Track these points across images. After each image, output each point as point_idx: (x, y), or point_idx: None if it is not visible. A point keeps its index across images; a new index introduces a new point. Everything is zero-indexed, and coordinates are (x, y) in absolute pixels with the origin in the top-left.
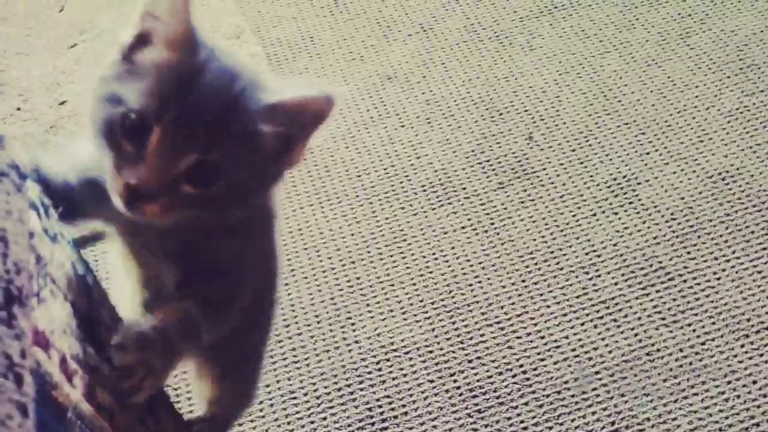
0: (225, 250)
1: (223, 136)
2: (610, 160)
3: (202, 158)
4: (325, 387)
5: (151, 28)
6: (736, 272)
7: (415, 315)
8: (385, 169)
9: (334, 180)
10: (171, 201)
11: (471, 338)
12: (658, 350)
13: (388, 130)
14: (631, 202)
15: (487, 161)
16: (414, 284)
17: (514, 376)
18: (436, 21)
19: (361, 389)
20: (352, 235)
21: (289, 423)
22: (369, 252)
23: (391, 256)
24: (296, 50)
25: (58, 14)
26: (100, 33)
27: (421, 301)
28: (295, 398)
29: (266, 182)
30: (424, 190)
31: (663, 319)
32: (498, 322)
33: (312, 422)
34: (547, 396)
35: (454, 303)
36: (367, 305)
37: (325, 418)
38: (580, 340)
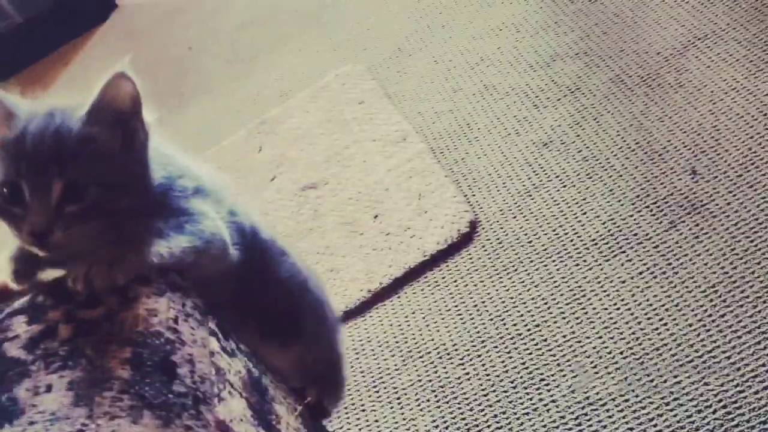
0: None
1: (67, 159)
2: None
3: (65, 181)
4: None
5: None
6: None
7: (606, 367)
8: (554, 231)
9: (507, 250)
10: (66, 223)
11: (665, 381)
12: None
13: (551, 193)
14: None
15: (654, 203)
16: (600, 337)
17: (714, 412)
18: (582, 80)
19: None
20: (533, 299)
21: None
22: (551, 312)
23: (574, 313)
24: (456, 139)
25: (257, 155)
26: (292, 163)
27: (609, 353)
28: None
29: (134, 169)
30: (595, 244)
31: None
32: (690, 361)
33: None
34: (753, 428)
35: (643, 349)
36: (558, 364)
37: None
38: None
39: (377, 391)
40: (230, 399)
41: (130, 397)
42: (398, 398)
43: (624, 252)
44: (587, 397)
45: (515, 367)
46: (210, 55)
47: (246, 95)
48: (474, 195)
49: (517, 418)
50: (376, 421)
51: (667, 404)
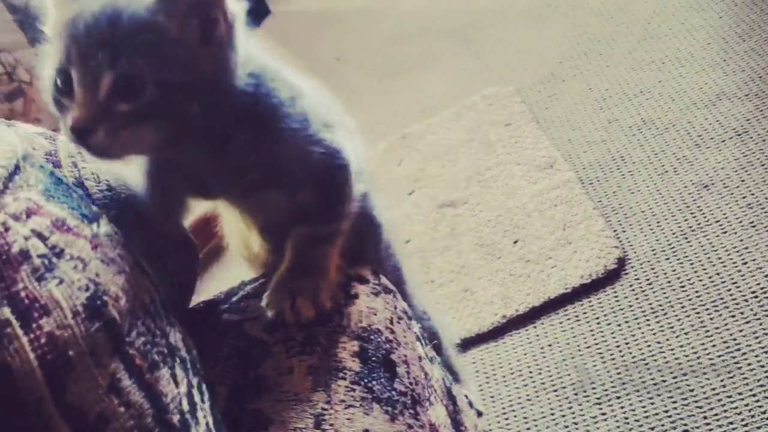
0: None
1: (122, 48)
2: None
3: (118, 73)
4: None
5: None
6: None
7: (759, 428)
8: (710, 278)
9: (656, 292)
10: (113, 124)
11: None
12: None
13: (710, 238)
14: None
15: None
16: (754, 395)
17: None
18: (750, 124)
19: None
20: (681, 347)
21: None
22: (701, 363)
23: (726, 366)
24: (608, 171)
25: (396, 168)
26: (431, 179)
27: (763, 413)
28: None
29: (211, 69)
30: (756, 297)
31: None
32: None
33: None
34: None
35: None
36: (704, 417)
37: None
38: None
39: (507, 420)
40: (436, 404)
41: (362, 389)
42: (528, 429)
43: None
44: None
45: (657, 414)
46: (357, 67)
47: (390, 109)
48: (624, 231)
49: None
50: None
51: None
